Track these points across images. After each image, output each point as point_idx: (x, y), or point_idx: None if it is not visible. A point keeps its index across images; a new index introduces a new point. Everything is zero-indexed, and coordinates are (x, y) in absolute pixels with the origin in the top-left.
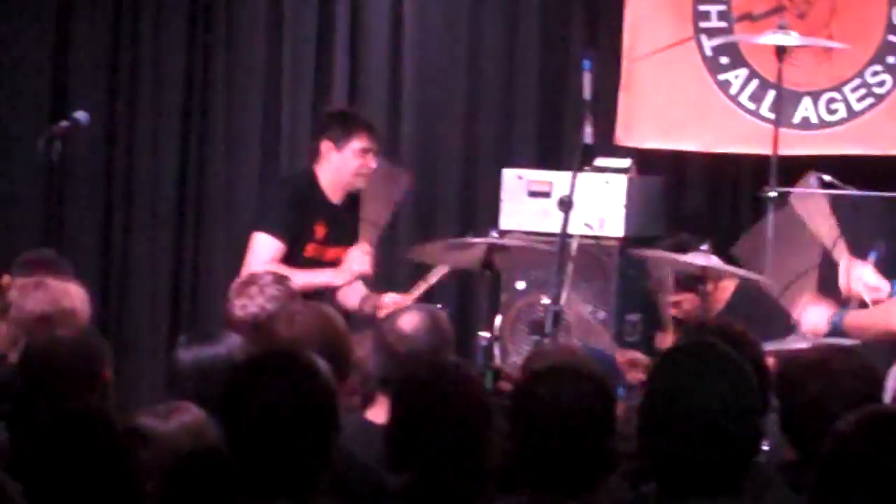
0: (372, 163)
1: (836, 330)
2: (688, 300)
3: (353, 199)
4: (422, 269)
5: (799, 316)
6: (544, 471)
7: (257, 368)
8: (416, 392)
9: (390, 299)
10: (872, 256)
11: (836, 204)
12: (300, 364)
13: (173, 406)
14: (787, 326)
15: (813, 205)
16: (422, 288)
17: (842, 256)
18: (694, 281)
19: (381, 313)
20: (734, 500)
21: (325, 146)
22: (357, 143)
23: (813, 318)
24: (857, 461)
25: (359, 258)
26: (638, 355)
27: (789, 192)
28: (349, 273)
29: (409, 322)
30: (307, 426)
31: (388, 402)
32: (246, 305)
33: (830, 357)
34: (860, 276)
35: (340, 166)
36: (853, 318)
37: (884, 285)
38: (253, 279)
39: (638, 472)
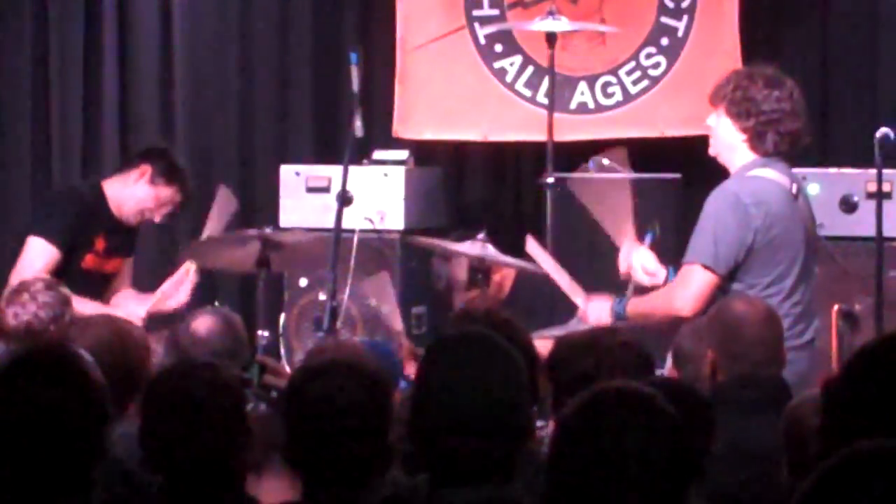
0: (158, 217)
1: (619, 317)
2: (479, 295)
3: None
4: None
5: (582, 314)
6: (318, 467)
7: (20, 367)
8: (159, 393)
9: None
10: (648, 238)
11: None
12: (66, 359)
13: None
14: (570, 313)
15: (594, 192)
16: (179, 279)
17: (623, 240)
18: (475, 273)
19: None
20: (505, 488)
21: (143, 169)
22: (167, 192)
23: (596, 312)
24: (576, 444)
25: (134, 315)
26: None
27: (568, 178)
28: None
29: (203, 325)
30: (76, 422)
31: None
32: (18, 314)
33: (598, 334)
34: (639, 260)
35: (136, 195)
36: (634, 304)
37: (660, 271)
38: (24, 286)
39: (412, 457)
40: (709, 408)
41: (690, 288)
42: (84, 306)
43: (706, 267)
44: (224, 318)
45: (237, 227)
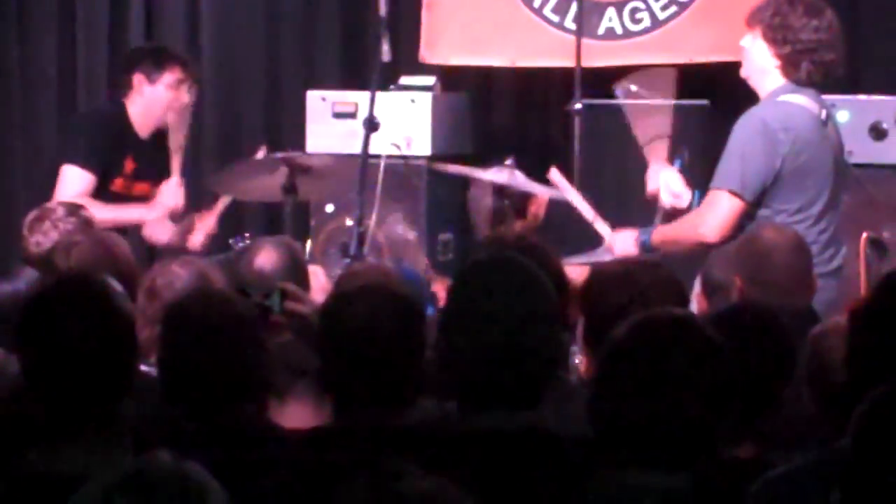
0: (185, 96)
1: (645, 248)
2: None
3: (161, 134)
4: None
5: (609, 245)
6: (351, 391)
7: (48, 298)
8: (175, 322)
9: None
10: (676, 164)
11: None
12: (93, 290)
13: None
14: (598, 240)
15: (637, 110)
16: (216, 212)
17: (654, 159)
18: (504, 200)
19: (192, 240)
20: (535, 413)
21: (138, 79)
22: (170, 76)
23: (622, 243)
24: (628, 368)
25: (172, 192)
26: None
27: (596, 104)
28: (162, 207)
29: (268, 260)
30: (104, 353)
31: None
32: (40, 242)
33: (634, 268)
34: (666, 180)
35: (153, 99)
36: (660, 233)
37: (686, 194)
38: (45, 213)
39: (441, 383)
40: (787, 336)
41: (717, 214)
42: (116, 211)
43: (733, 193)
44: (288, 249)
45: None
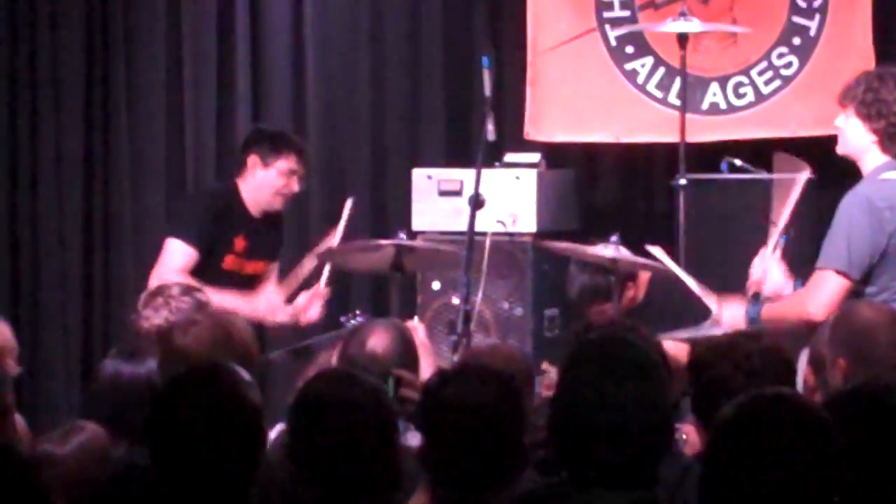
0: (295, 186)
1: (753, 322)
2: (611, 307)
3: (274, 215)
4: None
5: (718, 315)
6: (455, 470)
7: (179, 388)
8: (310, 406)
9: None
10: (782, 241)
11: (747, 189)
12: (222, 380)
13: (69, 427)
14: (701, 315)
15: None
16: (298, 278)
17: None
18: (608, 278)
19: (302, 318)
20: (648, 492)
21: (252, 160)
22: (284, 163)
23: (730, 316)
24: (736, 447)
25: (274, 304)
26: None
27: (700, 179)
28: (258, 311)
29: (381, 343)
30: (232, 443)
31: None
32: (151, 317)
33: (739, 340)
34: (769, 270)
35: (263, 183)
36: (769, 309)
37: (787, 286)
38: (160, 290)
39: (548, 462)
40: None
41: (824, 293)
42: (227, 300)
43: (839, 272)
44: (399, 332)
45: (371, 231)
